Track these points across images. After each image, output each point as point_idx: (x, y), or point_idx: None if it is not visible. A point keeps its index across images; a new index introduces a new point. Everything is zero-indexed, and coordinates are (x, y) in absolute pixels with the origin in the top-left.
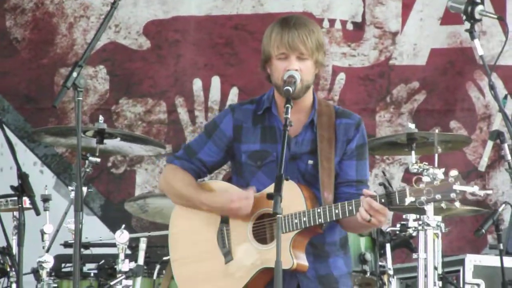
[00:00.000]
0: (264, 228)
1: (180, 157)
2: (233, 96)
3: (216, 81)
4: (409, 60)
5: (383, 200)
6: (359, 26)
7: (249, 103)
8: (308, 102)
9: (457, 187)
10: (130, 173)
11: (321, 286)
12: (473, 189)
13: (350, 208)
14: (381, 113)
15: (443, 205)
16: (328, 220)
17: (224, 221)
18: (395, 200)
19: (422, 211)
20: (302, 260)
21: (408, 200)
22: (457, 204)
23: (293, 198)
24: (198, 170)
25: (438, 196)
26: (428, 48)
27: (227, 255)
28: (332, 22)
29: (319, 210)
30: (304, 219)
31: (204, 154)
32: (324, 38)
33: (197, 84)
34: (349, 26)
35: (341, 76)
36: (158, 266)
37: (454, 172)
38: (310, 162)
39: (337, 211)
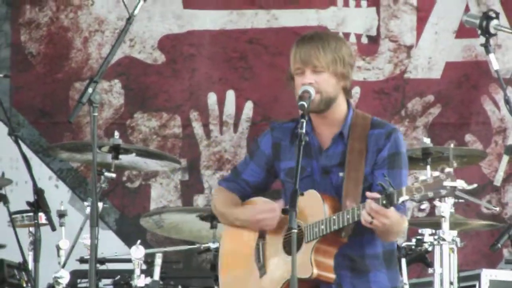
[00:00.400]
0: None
1: (227, 179)
2: (248, 110)
3: (230, 95)
4: (424, 74)
5: (384, 202)
6: (374, 40)
7: (290, 121)
8: (340, 115)
9: (448, 183)
10: (145, 187)
11: None
12: (461, 183)
13: (358, 212)
14: (396, 126)
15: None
16: (341, 225)
17: (261, 236)
18: (394, 200)
19: (437, 226)
20: (326, 271)
21: (403, 198)
22: (451, 201)
23: (315, 207)
24: (243, 190)
25: (430, 194)
26: (443, 62)
27: (261, 269)
28: (346, 35)
29: (334, 217)
30: (322, 226)
31: (247, 175)
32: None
33: (212, 98)
34: (364, 40)
35: (356, 89)
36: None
37: (447, 169)
38: (341, 174)
39: (348, 216)
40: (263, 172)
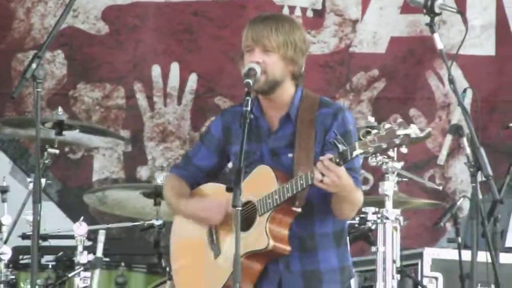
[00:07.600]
0: (247, 215)
1: (178, 165)
2: (192, 82)
3: (175, 68)
4: (369, 48)
5: (337, 160)
6: (319, 14)
7: (240, 105)
8: (287, 98)
9: (401, 131)
10: (88, 158)
11: (303, 282)
12: (414, 129)
13: (312, 175)
14: (341, 100)
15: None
16: (295, 191)
17: None
18: (347, 156)
19: (380, 204)
20: (282, 243)
21: (356, 153)
22: (404, 150)
23: (266, 180)
24: (195, 175)
25: (383, 145)
26: (388, 36)
27: (215, 249)
28: (292, 9)
29: (287, 185)
30: (276, 196)
31: (198, 159)
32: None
33: (156, 70)
34: (309, 13)
35: None
36: None
37: (399, 120)
38: (290, 155)
39: (301, 181)
40: (214, 156)
